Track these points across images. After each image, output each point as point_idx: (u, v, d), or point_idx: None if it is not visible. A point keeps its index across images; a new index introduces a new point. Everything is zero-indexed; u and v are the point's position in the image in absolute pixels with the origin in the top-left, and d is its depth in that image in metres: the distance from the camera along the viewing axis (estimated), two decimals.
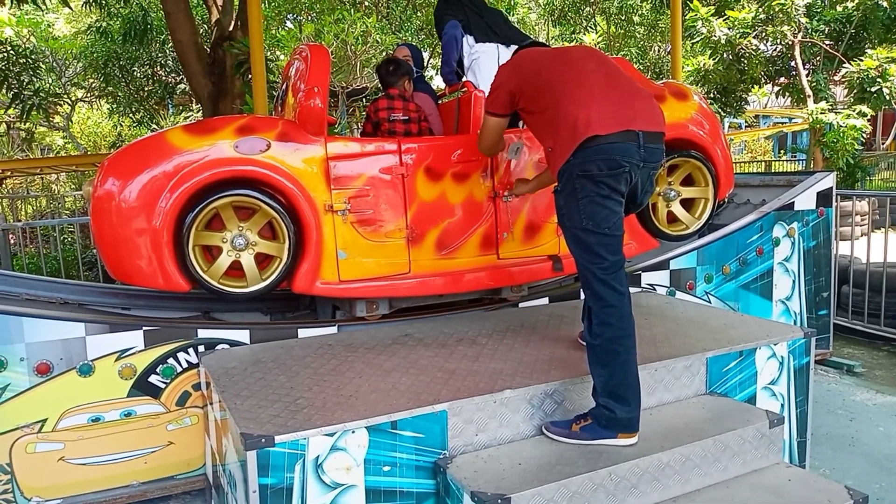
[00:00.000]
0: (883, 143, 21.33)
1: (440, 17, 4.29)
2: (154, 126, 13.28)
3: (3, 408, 2.92)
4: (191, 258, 3.09)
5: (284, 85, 3.83)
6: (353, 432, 2.32)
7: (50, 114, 11.89)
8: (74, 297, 3.95)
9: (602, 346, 2.49)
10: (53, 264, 7.33)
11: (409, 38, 11.84)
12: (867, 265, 5.82)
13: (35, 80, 9.32)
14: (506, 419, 2.59)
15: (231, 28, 8.43)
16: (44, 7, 8.36)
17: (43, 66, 11.51)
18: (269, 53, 9.47)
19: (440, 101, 4.17)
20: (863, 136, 9.55)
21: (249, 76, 6.60)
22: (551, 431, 2.61)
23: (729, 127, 21.69)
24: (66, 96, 13.63)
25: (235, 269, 3.22)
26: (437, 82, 13.08)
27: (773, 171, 17.35)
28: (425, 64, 12.89)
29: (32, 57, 9.47)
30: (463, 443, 2.52)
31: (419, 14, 12.50)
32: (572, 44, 14.80)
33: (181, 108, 14.40)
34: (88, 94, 15.18)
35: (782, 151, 24.56)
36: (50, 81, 12.94)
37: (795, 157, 21.46)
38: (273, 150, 3.18)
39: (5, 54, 8.76)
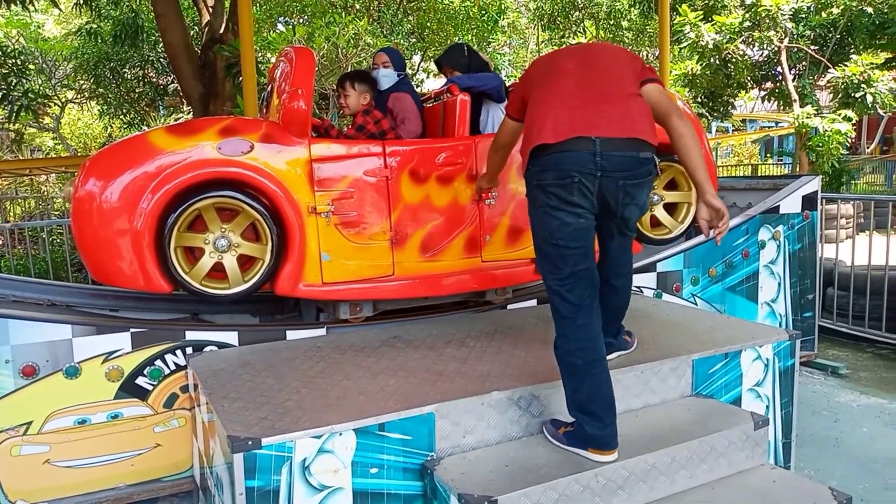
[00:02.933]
0: (868, 148, 21.52)
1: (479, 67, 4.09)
2: (144, 127, 13.24)
3: None
4: (172, 260, 3.08)
5: (270, 87, 3.83)
6: (341, 434, 2.33)
7: (39, 115, 11.83)
8: (62, 299, 3.93)
9: (561, 358, 2.46)
10: (42, 265, 7.30)
11: (400, 42, 11.86)
12: (852, 268, 5.88)
13: (24, 81, 9.27)
14: (493, 421, 2.60)
15: (222, 30, 8.42)
16: (31, 8, 8.31)
17: (32, 68, 11.44)
18: (260, 56, 9.46)
19: (426, 104, 4.17)
20: (848, 141, 9.64)
21: (240, 78, 6.60)
22: (545, 429, 2.63)
23: (716, 131, 21.83)
24: (55, 97, 13.56)
25: (218, 271, 3.21)
26: (427, 86, 13.12)
27: (759, 174, 17.47)
28: (415, 68, 12.94)
29: (21, 58, 9.42)
30: (450, 444, 2.53)
31: (410, 17, 12.53)
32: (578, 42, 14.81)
33: (172, 109, 14.36)
34: (79, 96, 15.11)
35: (769, 155, 24.74)
36: (39, 83, 12.87)
37: (782, 160, 21.62)
38: (256, 151, 3.17)
39: None
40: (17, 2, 7.69)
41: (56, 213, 11.41)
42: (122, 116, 13.54)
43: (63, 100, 14.77)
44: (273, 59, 8.01)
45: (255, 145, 3.17)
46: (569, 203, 2.35)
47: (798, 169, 10.27)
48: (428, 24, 12.56)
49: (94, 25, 11.35)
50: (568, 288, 2.42)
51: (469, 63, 4.00)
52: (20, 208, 12.64)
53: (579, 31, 15.75)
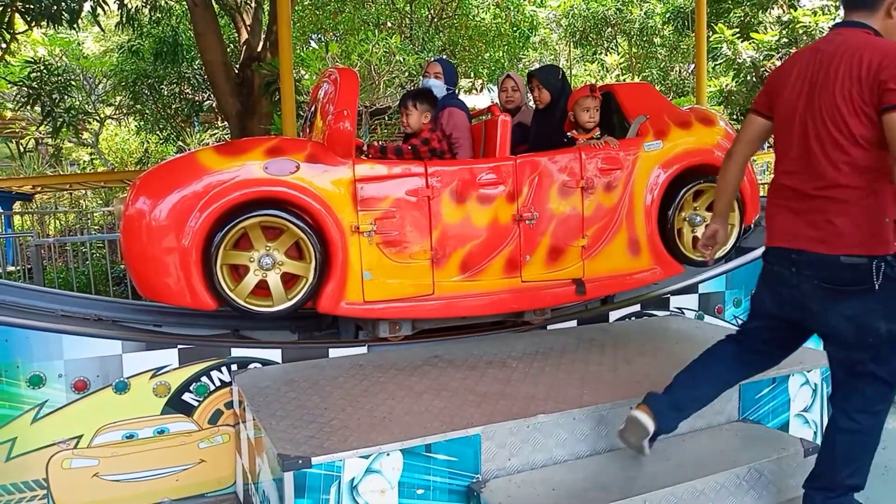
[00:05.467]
0: None
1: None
2: (180, 143, 13.51)
3: (41, 423, 2.96)
4: (218, 277, 3.14)
5: (313, 107, 3.88)
6: (388, 455, 2.34)
7: (79, 130, 12.15)
8: (108, 314, 4.00)
9: None
10: (82, 279, 7.44)
11: (431, 59, 11.97)
12: None
13: (66, 98, 9.53)
14: (539, 444, 2.59)
15: (259, 48, 8.58)
16: (76, 28, 8.56)
17: (74, 84, 11.76)
18: (294, 73, 9.60)
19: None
20: None
21: (277, 96, 6.70)
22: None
23: None
24: (95, 114, 13.91)
25: (262, 289, 3.26)
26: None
27: None
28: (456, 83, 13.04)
29: (65, 76, 9.69)
30: (496, 467, 2.52)
31: (441, 34, 12.63)
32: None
33: (207, 125, 14.62)
34: (117, 112, 15.47)
35: None
36: (80, 99, 13.21)
37: None
38: (302, 171, 3.22)
39: (38, 73, 8.98)
40: (65, 21, 7.92)
41: (96, 227, 11.65)
42: (158, 132, 13.83)
43: (102, 116, 15.13)
44: (306, 76, 8.14)
45: (301, 165, 3.22)
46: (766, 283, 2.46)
47: None
48: (459, 40, 12.65)
49: (135, 44, 11.64)
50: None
51: (562, 87, 4.04)
52: (59, 222, 12.94)
53: (611, 48, 15.74)
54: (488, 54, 12.90)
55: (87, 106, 13.39)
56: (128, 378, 3.08)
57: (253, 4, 9.29)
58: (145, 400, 3.11)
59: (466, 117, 3.94)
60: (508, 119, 3.75)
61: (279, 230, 3.25)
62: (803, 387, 3.14)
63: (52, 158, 16.70)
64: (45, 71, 9.07)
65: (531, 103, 4.44)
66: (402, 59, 10.60)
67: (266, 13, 9.29)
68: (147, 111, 13.42)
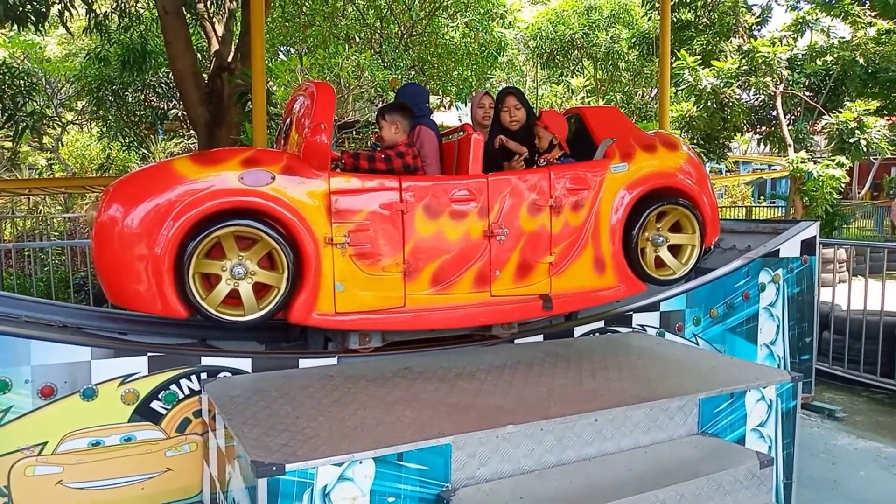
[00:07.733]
0: (859, 192, 21.93)
1: None
2: (143, 150, 13.33)
3: (5, 429, 2.91)
4: (190, 286, 3.14)
5: (288, 120, 3.91)
6: (361, 463, 2.37)
7: (42, 135, 11.93)
8: (73, 321, 3.95)
9: None
10: (40, 286, 7.29)
11: (401, 76, 12.06)
12: (847, 312, 5.98)
13: (29, 101, 9.36)
14: (507, 454, 2.65)
15: (230, 59, 8.57)
16: (41, 31, 8.45)
17: (37, 88, 11.56)
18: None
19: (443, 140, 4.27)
20: (841, 186, 9.84)
21: (248, 107, 6.70)
22: None
23: (709, 171, 22.17)
24: (57, 118, 13.66)
25: (233, 298, 3.27)
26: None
27: (753, 216, 17.74)
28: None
29: (27, 79, 9.53)
30: (465, 476, 2.57)
31: (411, 51, 12.75)
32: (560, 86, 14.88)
33: (171, 134, 14.47)
34: (79, 117, 15.20)
35: (762, 197, 25.10)
36: (41, 103, 12.97)
37: (775, 203, 21.94)
38: (277, 182, 3.25)
39: (0, 76, 8.82)
40: (30, 24, 7.81)
41: (56, 233, 11.41)
42: (121, 139, 13.64)
43: (64, 121, 14.85)
44: (275, 87, 8.14)
45: (277, 177, 3.25)
46: None
47: (792, 212, 10.45)
48: (428, 58, 12.79)
49: (102, 50, 11.49)
50: None
51: (530, 108, 4.24)
52: (16, 227, 12.63)
53: (577, 71, 16.07)
54: (457, 73, 13.06)
55: (48, 110, 13.14)
56: (96, 385, 3.05)
57: (225, 14, 9.28)
58: (113, 407, 3.08)
59: (436, 137, 4.02)
60: (481, 138, 3.84)
61: (252, 240, 3.27)
62: (759, 402, 3.26)
63: (8, 162, 16.32)
64: (7, 74, 8.91)
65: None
66: (371, 75, 10.68)
67: (238, 23, 9.29)
68: (110, 117, 13.23)
